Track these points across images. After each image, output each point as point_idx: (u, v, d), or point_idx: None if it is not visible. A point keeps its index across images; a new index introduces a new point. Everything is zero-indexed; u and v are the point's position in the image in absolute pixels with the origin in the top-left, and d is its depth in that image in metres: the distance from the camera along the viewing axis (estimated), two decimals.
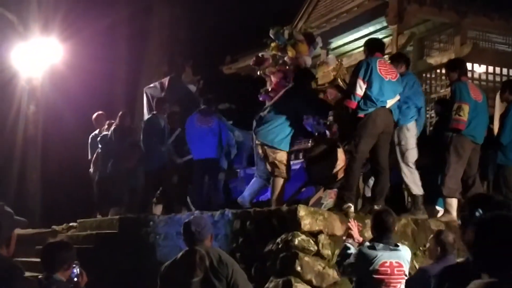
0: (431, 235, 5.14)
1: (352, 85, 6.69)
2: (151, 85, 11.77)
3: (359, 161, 6.65)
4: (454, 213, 6.91)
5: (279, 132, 7.18)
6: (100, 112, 11.02)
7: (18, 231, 6.17)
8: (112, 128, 10.27)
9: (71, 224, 10.93)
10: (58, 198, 13.64)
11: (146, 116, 10.89)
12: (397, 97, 6.79)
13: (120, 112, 10.55)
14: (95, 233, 9.61)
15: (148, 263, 8.13)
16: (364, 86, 6.53)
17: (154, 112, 9.85)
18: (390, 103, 6.69)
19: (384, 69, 6.70)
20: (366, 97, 6.55)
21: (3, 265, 2.94)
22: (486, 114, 7.32)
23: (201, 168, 9.01)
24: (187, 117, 9.31)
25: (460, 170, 7.00)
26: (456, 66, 7.27)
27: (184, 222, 4.40)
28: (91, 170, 10.79)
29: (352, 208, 6.55)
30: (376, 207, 6.34)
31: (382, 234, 4.57)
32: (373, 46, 7.03)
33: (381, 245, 4.50)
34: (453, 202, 6.98)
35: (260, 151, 7.33)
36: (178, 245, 7.97)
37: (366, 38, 11.68)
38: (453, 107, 6.95)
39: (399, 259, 4.52)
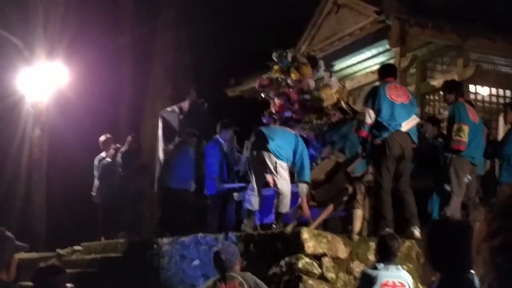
0: None
1: (361, 115, 6.73)
2: (168, 108, 11.67)
3: (386, 186, 6.64)
4: None
5: None
6: (108, 135, 11.03)
7: (22, 255, 6.20)
8: (121, 151, 10.27)
9: (75, 247, 10.92)
10: (62, 222, 13.64)
11: (160, 140, 10.86)
12: (415, 119, 6.80)
13: (129, 137, 10.56)
14: (99, 256, 9.60)
15: (153, 286, 8.13)
16: (373, 114, 6.55)
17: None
18: (406, 125, 6.68)
19: (394, 93, 6.71)
20: (378, 123, 6.57)
21: None
22: (482, 135, 7.31)
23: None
24: (204, 140, 9.41)
25: (461, 192, 6.98)
26: (453, 88, 7.29)
27: (214, 251, 4.72)
28: (93, 193, 10.77)
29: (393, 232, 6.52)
30: (413, 229, 6.34)
31: (385, 257, 4.59)
32: (384, 72, 7.08)
33: (382, 265, 4.54)
34: None
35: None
36: (182, 268, 7.99)
37: (369, 61, 11.90)
38: (452, 128, 6.94)
39: (402, 280, 4.53)
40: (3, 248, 2.97)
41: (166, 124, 11.20)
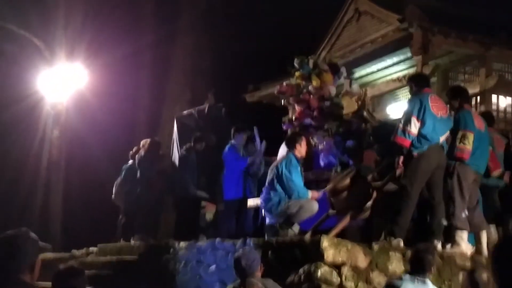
0: (465, 272, 5.04)
1: (405, 123, 6.54)
2: (185, 112, 11.62)
3: (414, 198, 6.56)
4: (463, 245, 6.74)
5: None
6: (138, 147, 10.80)
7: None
8: (140, 155, 10.20)
9: (90, 249, 10.91)
10: (79, 223, 13.68)
11: (176, 145, 10.82)
12: (448, 133, 6.72)
13: (150, 140, 10.49)
14: (115, 258, 9.57)
15: None
16: (418, 124, 6.46)
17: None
18: (442, 139, 6.63)
19: (435, 106, 6.61)
20: (420, 135, 6.47)
21: None
22: (488, 144, 7.15)
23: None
24: (222, 146, 9.38)
25: (464, 200, 6.83)
26: (456, 94, 7.12)
27: (234, 257, 4.72)
28: (114, 196, 10.72)
29: (402, 243, 6.44)
30: (436, 241, 6.26)
31: (417, 270, 4.52)
32: (421, 81, 6.93)
33: (408, 275, 4.46)
34: (464, 234, 6.80)
35: None
36: (198, 273, 7.93)
37: (390, 69, 11.84)
38: (457, 135, 6.83)
39: None
40: (27, 249, 2.96)
41: (183, 128, 11.16)
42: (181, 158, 9.95)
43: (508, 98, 10.95)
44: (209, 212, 10.54)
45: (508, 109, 10.99)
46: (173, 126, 11.67)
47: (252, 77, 15.01)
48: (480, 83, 10.50)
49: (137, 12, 17.01)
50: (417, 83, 6.89)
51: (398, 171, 6.54)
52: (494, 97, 10.74)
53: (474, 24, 10.31)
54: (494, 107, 10.57)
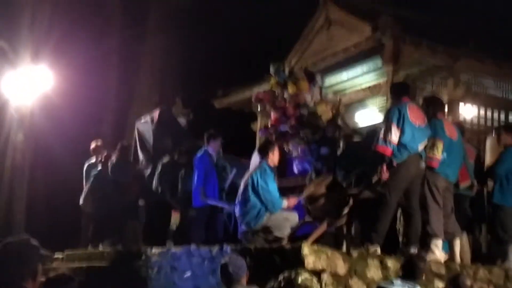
0: (450, 277, 5.13)
1: (385, 131, 6.59)
2: (142, 120, 11.59)
3: (392, 206, 6.65)
4: (438, 252, 6.85)
5: None
6: (99, 142, 10.84)
7: None
8: (112, 161, 10.09)
9: (56, 255, 10.69)
10: (43, 229, 13.39)
11: (140, 152, 10.76)
12: (426, 141, 6.81)
13: (120, 145, 10.39)
14: (84, 265, 9.40)
15: None
16: (398, 133, 6.53)
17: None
18: (420, 148, 6.71)
19: (413, 115, 6.70)
20: (399, 144, 6.54)
21: None
22: (460, 153, 7.28)
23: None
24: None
25: (438, 207, 6.95)
26: (429, 104, 7.26)
27: (221, 263, 4.63)
28: (82, 201, 10.53)
29: (379, 250, 6.50)
30: (412, 250, 6.32)
31: (408, 276, 4.57)
32: (400, 91, 7.02)
33: (399, 282, 4.51)
34: (439, 242, 6.91)
35: None
36: (172, 280, 7.86)
37: (360, 78, 11.96)
38: (428, 144, 6.95)
39: None
40: (28, 256, 2.91)
41: (141, 136, 11.12)
42: (164, 165, 9.84)
43: (475, 109, 11.20)
44: (173, 218, 10.48)
45: (475, 120, 11.23)
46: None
47: (221, 79, 14.96)
48: (448, 93, 10.71)
49: (105, 13, 16.81)
50: (395, 92, 6.99)
51: (382, 179, 6.60)
52: (461, 107, 10.96)
53: (444, 34, 10.53)
54: (461, 117, 10.79)
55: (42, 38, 14.98)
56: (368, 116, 12.14)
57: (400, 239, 7.24)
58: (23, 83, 13.77)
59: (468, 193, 7.81)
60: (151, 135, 10.97)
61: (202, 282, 7.23)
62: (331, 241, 7.74)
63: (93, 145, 10.72)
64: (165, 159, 9.82)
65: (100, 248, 9.86)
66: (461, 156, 7.33)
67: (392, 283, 4.54)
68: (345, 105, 12.03)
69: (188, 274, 7.58)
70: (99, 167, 10.22)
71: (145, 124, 11.29)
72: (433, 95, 8.52)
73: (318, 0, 12.30)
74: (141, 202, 9.78)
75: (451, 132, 7.17)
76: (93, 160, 10.62)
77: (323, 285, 6.10)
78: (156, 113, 11.28)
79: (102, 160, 10.17)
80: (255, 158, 8.09)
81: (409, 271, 4.62)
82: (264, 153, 7.54)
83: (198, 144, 9.63)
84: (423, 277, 4.90)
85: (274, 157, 7.54)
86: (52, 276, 3.70)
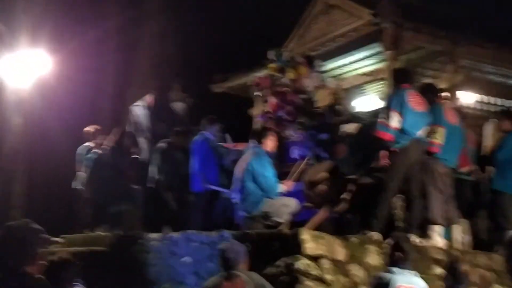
0: (447, 264, 5.13)
1: (385, 117, 6.61)
2: (137, 103, 11.56)
3: (392, 192, 6.66)
4: (437, 238, 6.88)
5: None
6: (97, 127, 10.79)
7: None
8: (111, 145, 10.06)
9: (55, 239, 10.67)
10: (42, 213, 13.35)
11: (136, 136, 10.73)
12: (426, 127, 6.80)
13: (116, 130, 10.35)
14: (82, 249, 9.40)
15: (139, 282, 8.00)
16: (399, 118, 6.52)
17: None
18: (420, 133, 6.71)
19: (414, 101, 6.70)
20: (400, 130, 6.54)
21: (32, 284, 2.88)
22: (460, 138, 7.29)
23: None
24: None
25: (439, 194, 6.96)
26: (426, 90, 7.25)
27: (220, 248, 4.72)
28: (80, 186, 10.48)
29: (379, 236, 6.51)
30: (413, 235, 6.33)
31: (399, 260, 4.56)
32: (400, 77, 6.99)
33: (396, 268, 4.51)
34: (438, 228, 6.93)
35: None
36: (171, 264, 7.87)
37: (360, 63, 11.92)
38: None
39: (416, 285, 4.50)
40: (30, 241, 2.91)
41: (136, 119, 11.11)
42: (160, 149, 9.83)
43: (474, 94, 11.18)
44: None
45: (474, 105, 11.22)
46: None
47: (219, 65, 14.90)
48: (447, 79, 10.68)
49: None
50: (396, 78, 6.98)
51: (382, 164, 6.61)
52: (461, 93, 10.93)
53: (443, 19, 10.47)
54: (460, 102, 10.76)
55: (40, 22, 14.85)
56: (368, 101, 12.12)
57: (397, 224, 7.25)
58: (21, 66, 13.69)
59: (468, 178, 7.83)
60: (146, 119, 10.96)
61: (201, 267, 7.24)
62: (330, 227, 7.76)
63: (91, 130, 10.66)
64: (161, 143, 9.80)
65: (97, 232, 9.86)
66: (461, 141, 7.33)
67: (389, 271, 4.52)
68: (344, 90, 12.02)
69: (186, 259, 7.59)
70: (100, 152, 10.18)
71: (140, 108, 11.28)
72: (427, 82, 8.49)
73: None
74: (138, 187, 9.75)
75: (452, 117, 7.17)
76: (90, 144, 10.55)
77: (322, 271, 6.12)
78: (150, 98, 11.26)
79: (102, 144, 10.14)
80: (252, 144, 8.09)
81: (399, 253, 4.58)
82: (260, 139, 7.53)
83: (193, 128, 9.63)
84: (411, 259, 4.82)
85: (271, 143, 7.53)
86: (55, 259, 3.71)
